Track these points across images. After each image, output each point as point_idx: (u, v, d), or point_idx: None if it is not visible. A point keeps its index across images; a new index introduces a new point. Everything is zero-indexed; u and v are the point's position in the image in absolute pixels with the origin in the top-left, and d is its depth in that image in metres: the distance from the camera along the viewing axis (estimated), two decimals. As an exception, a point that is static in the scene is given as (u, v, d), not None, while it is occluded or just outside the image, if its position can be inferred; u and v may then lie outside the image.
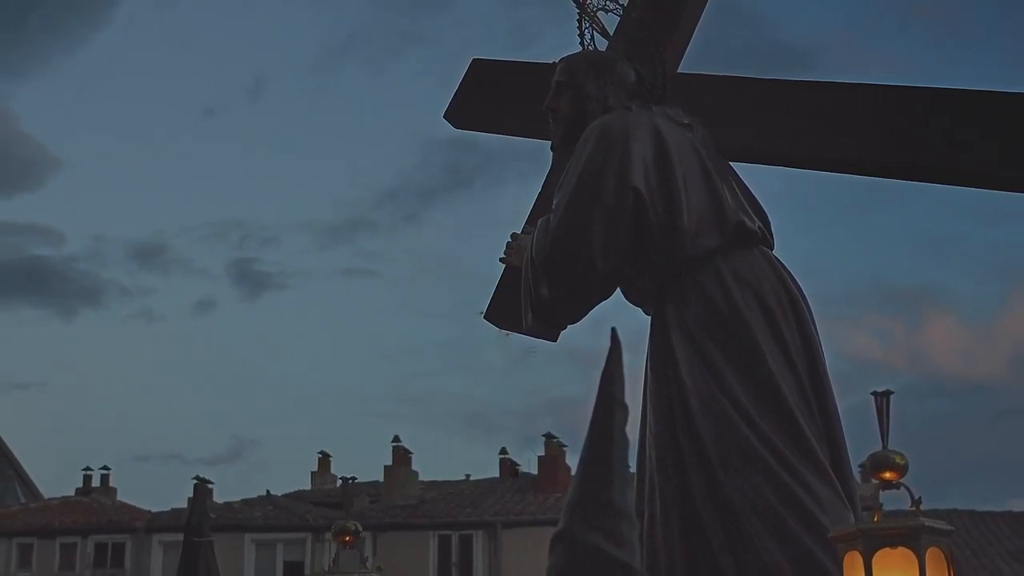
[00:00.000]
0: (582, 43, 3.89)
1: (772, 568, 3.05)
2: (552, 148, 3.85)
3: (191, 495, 21.92)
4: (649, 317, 3.49)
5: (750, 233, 3.43)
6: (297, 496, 29.37)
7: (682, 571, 3.17)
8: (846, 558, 2.58)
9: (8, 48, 56.07)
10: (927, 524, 2.52)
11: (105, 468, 31.70)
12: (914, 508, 2.56)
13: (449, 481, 29.78)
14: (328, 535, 5.04)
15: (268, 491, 28.70)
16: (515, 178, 43.69)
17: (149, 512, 28.18)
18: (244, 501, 28.01)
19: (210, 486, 24.47)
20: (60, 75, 57.75)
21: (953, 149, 3.57)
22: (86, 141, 57.48)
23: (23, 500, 31.94)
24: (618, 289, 3.55)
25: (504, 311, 4.13)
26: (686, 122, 3.60)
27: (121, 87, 59.02)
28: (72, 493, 30.97)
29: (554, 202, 3.52)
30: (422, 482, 29.10)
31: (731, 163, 3.63)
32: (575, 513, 1.91)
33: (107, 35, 55.64)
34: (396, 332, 54.00)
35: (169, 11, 58.25)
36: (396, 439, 29.22)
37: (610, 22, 3.97)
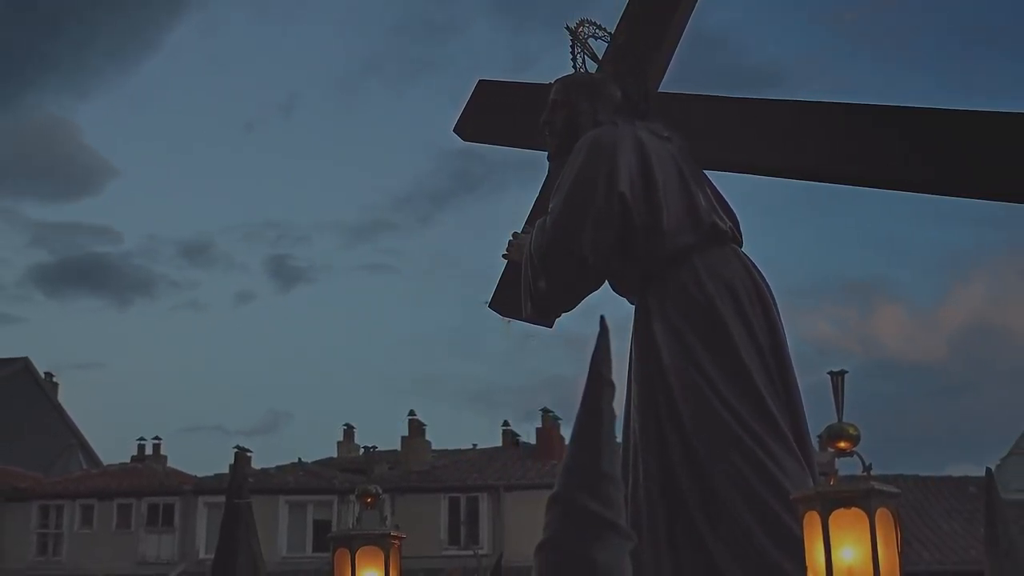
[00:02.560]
0: (575, 66, 3.89)
1: (741, 524, 3.06)
2: (548, 158, 3.85)
3: (232, 462, 21.90)
4: (634, 306, 3.49)
5: (722, 232, 3.43)
6: (325, 463, 29.29)
7: (662, 528, 3.17)
8: (806, 517, 2.59)
9: (73, 71, 56.02)
10: (877, 487, 2.52)
11: (157, 438, 31.56)
12: (865, 473, 2.57)
13: (458, 450, 29.72)
14: (352, 497, 5.03)
15: (299, 458, 28.62)
16: (516, 184, 43.65)
17: (195, 477, 28.08)
18: (278, 467, 27.93)
19: (249, 454, 24.38)
20: (118, 94, 57.77)
21: (898, 159, 3.56)
22: (140, 152, 57.35)
23: (85, 467, 31.93)
24: (607, 282, 3.56)
25: (506, 301, 4.12)
26: (665, 135, 3.60)
27: (171, 104, 58.93)
28: (128, 460, 30.84)
29: (550, 205, 3.52)
30: (434, 451, 29.01)
31: (704, 171, 3.63)
32: (569, 478, 1.91)
33: (159, 59, 55.48)
34: (412, 320, 54.01)
35: (212, 38, 58.19)
36: (412, 413, 29.11)
37: (599, 48, 3.97)
